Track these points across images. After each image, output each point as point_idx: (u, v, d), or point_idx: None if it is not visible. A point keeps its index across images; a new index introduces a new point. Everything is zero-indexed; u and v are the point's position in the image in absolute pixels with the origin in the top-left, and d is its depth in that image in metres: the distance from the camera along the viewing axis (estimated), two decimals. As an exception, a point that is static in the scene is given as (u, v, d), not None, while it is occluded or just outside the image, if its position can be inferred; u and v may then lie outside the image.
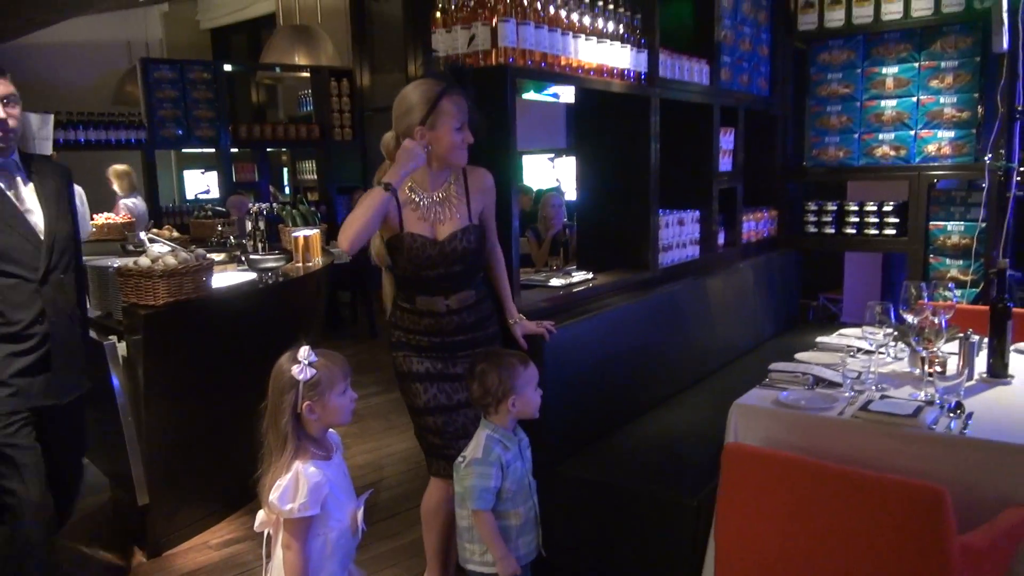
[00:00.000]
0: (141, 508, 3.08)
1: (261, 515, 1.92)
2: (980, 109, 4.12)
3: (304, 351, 1.87)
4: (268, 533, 1.93)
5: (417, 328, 2.43)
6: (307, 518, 1.83)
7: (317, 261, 4.24)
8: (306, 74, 8.17)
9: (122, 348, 3.02)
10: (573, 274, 3.20)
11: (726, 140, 4.06)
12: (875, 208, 4.49)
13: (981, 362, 2.47)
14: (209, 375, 3.24)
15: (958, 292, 4.15)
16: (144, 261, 3.04)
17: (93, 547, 3.25)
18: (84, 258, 5.12)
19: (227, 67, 8.05)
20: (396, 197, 2.38)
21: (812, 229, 4.73)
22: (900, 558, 1.66)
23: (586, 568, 2.65)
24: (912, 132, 4.31)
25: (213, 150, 7.91)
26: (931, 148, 4.27)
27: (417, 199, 2.42)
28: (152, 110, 7.24)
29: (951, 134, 4.19)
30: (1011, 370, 2.44)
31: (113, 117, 7.19)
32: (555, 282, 3.10)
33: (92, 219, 6.25)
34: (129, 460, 3.03)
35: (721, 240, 4.08)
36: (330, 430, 1.98)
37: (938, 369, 2.22)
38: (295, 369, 1.84)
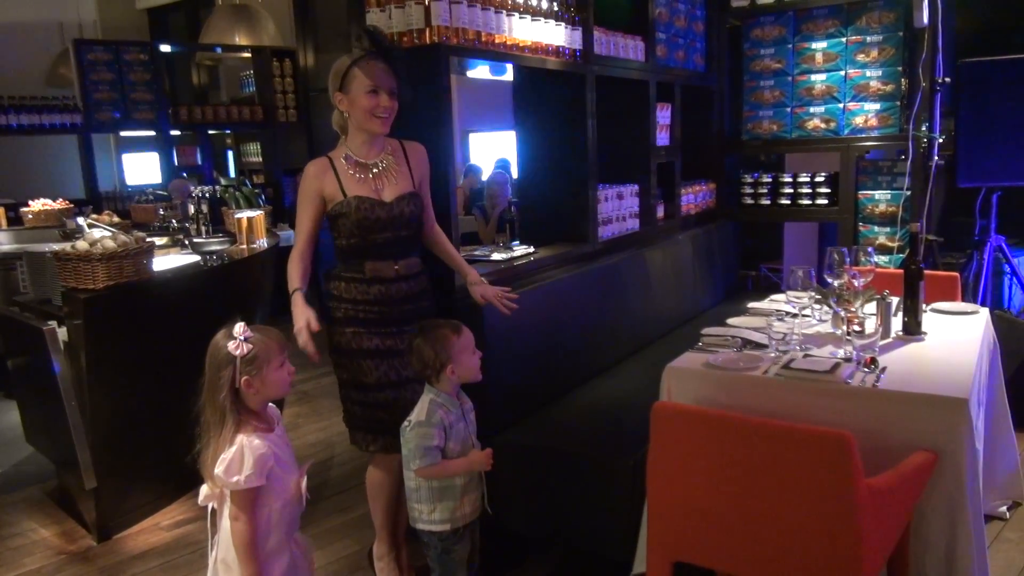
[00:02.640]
0: (89, 492, 3.08)
1: (205, 489, 1.95)
2: (904, 82, 4.29)
3: (239, 327, 1.90)
4: (212, 507, 1.97)
5: (366, 298, 2.45)
6: (253, 489, 1.87)
7: (262, 243, 4.24)
8: (248, 55, 8.03)
9: (63, 333, 3.00)
10: (515, 248, 3.27)
11: (663, 115, 4.16)
12: (808, 179, 4.66)
13: (898, 322, 2.61)
14: (154, 358, 3.23)
15: (885, 258, 4.35)
16: (82, 245, 3.02)
17: (41, 532, 3.24)
18: (22, 244, 5.02)
19: (165, 48, 7.87)
20: (333, 167, 2.42)
21: (749, 201, 4.88)
22: (814, 500, 1.78)
23: (531, 527, 2.75)
24: (841, 105, 4.46)
25: (153, 133, 7.75)
26: (859, 120, 4.43)
27: (354, 166, 2.46)
28: (87, 93, 7.05)
29: (877, 106, 4.36)
30: (925, 328, 2.58)
31: (47, 101, 6.99)
32: (497, 256, 3.17)
33: (28, 205, 6.10)
34: (75, 445, 3.02)
35: (660, 213, 4.19)
36: (270, 404, 2.01)
37: (857, 329, 2.35)
38: (231, 345, 1.87)
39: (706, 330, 2.66)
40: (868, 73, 4.36)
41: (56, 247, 3.23)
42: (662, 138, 4.16)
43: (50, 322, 3.03)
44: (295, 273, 2.47)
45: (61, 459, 3.36)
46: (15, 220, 6.08)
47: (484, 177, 7.03)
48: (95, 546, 3.11)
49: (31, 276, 3.44)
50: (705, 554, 2.02)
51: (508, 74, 6.47)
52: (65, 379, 3.00)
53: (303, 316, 2.34)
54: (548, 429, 2.80)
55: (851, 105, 4.43)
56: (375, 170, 2.47)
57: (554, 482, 2.63)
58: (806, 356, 2.36)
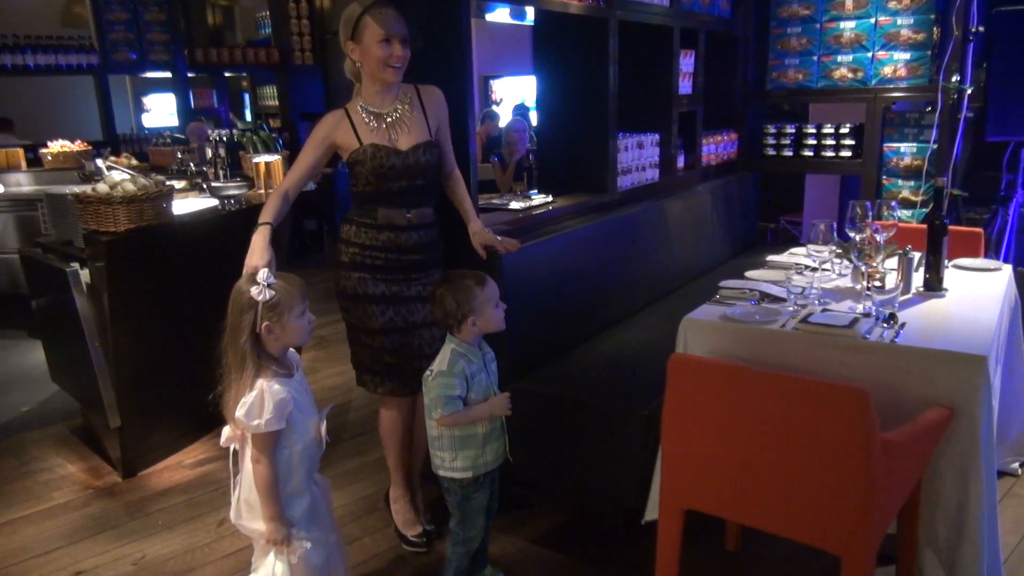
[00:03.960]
0: (114, 430, 3.15)
1: (227, 431, 2.00)
2: (936, 31, 4.16)
3: (263, 273, 1.92)
4: (234, 448, 2.01)
5: (375, 244, 2.46)
6: (273, 432, 1.91)
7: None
8: (264, -6, 7.91)
9: (85, 275, 3.04)
10: (533, 197, 3.25)
11: (686, 63, 4.07)
12: (832, 130, 4.56)
13: (920, 277, 2.59)
14: (174, 299, 3.27)
15: (908, 212, 4.30)
16: (103, 187, 3.03)
17: (68, 468, 3.33)
18: (42, 186, 5.04)
19: (180, -13, 7.76)
20: (348, 117, 2.41)
21: (771, 152, 4.80)
22: (829, 454, 1.79)
23: (546, 475, 2.80)
24: (869, 54, 4.35)
25: (170, 75, 7.69)
26: (887, 70, 4.32)
27: (370, 116, 2.44)
28: (103, 32, 6.99)
29: (907, 56, 4.24)
30: (947, 284, 2.56)
31: (62, 40, 6.94)
32: (515, 205, 3.15)
33: (47, 146, 6.11)
34: (99, 385, 3.08)
35: (680, 163, 4.14)
36: (290, 350, 2.04)
37: (877, 284, 2.33)
38: (254, 290, 1.89)
39: (724, 283, 2.64)
40: (899, 21, 4.23)
41: (77, 189, 3.24)
42: (684, 86, 4.08)
43: (73, 264, 3.07)
44: (270, 206, 2.35)
45: (86, 398, 3.44)
46: (34, 161, 6.10)
47: (503, 123, 6.95)
48: (120, 482, 3.20)
49: (52, 218, 3.47)
50: (716, 503, 2.05)
51: (528, 18, 6.33)
52: (88, 320, 3.05)
53: (261, 256, 2.16)
54: (563, 378, 2.82)
55: (880, 54, 4.32)
56: (389, 119, 2.45)
57: (569, 431, 2.66)
58: (824, 310, 2.35)
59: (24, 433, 3.70)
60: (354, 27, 2.35)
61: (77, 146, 6.20)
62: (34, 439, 3.64)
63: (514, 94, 8.95)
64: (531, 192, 3.35)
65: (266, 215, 2.33)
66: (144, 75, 8.06)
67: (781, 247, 4.29)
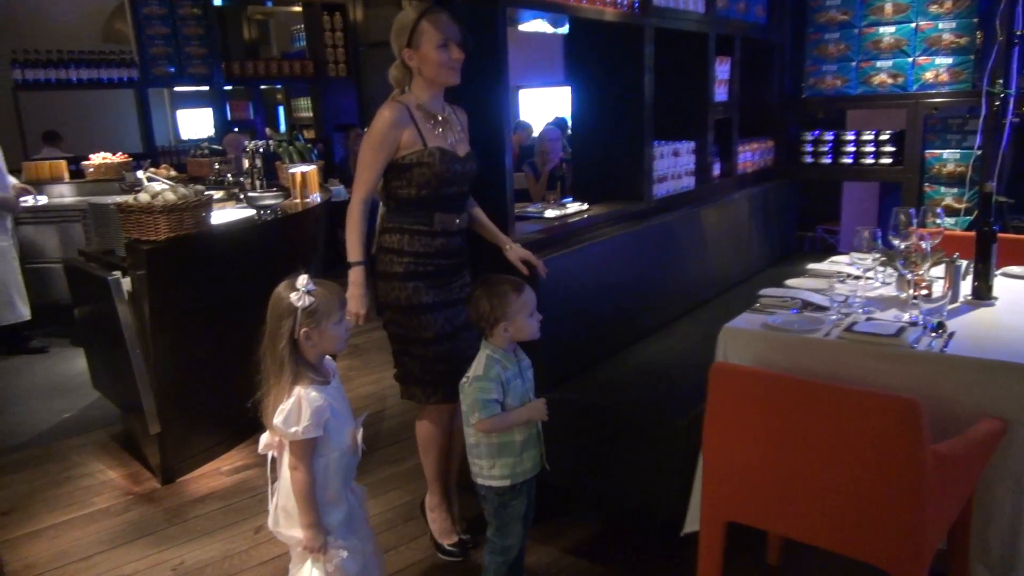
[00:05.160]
0: (153, 437, 3.19)
1: (265, 438, 2.00)
2: (979, 35, 4.08)
3: (303, 279, 1.92)
4: (272, 456, 2.02)
5: (429, 251, 2.45)
6: (311, 440, 1.91)
7: (315, 197, 4.27)
8: (298, 8, 8.03)
9: (126, 283, 3.08)
10: (567, 205, 3.24)
11: (722, 70, 4.04)
12: (872, 137, 4.49)
13: (967, 286, 2.52)
14: (213, 308, 3.31)
15: (951, 220, 4.20)
16: (144, 197, 3.08)
17: (109, 474, 3.38)
18: (84, 196, 5.14)
19: (217, 1, 7.91)
20: (411, 112, 2.40)
21: (808, 159, 4.74)
22: (877, 466, 1.74)
23: (582, 484, 2.77)
24: (910, 59, 4.27)
25: (207, 88, 7.83)
26: (929, 75, 4.24)
27: (429, 118, 2.44)
28: (143, 47, 7.15)
29: (949, 61, 4.16)
30: (996, 293, 2.49)
31: (104, 55, 7.11)
32: (549, 213, 3.14)
33: (88, 159, 6.24)
34: (139, 391, 3.12)
35: (716, 171, 4.10)
36: (327, 357, 2.04)
37: (924, 292, 2.27)
38: (294, 296, 1.89)
39: (764, 291, 2.60)
40: (941, 25, 4.15)
41: (119, 199, 3.30)
42: (720, 93, 4.05)
43: (114, 272, 3.12)
44: (356, 239, 2.36)
45: (126, 404, 3.49)
46: (76, 173, 6.24)
47: (534, 134, 6.96)
48: (159, 488, 3.23)
49: (95, 227, 3.53)
50: (760, 516, 2.01)
51: (560, 27, 6.33)
52: (129, 327, 3.10)
53: (360, 302, 2.33)
54: (601, 387, 2.79)
55: (921, 59, 4.24)
56: (445, 125, 2.46)
57: (606, 440, 2.64)
58: (869, 319, 2.30)
59: (66, 439, 3.76)
60: (410, 33, 2.35)
61: (118, 158, 6.33)
62: (76, 445, 3.70)
63: (541, 105, 8.95)
64: (566, 200, 3.34)
65: (354, 253, 2.36)
66: (182, 88, 8.22)
67: (819, 255, 4.22)
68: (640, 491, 2.61)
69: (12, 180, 4.83)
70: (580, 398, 2.71)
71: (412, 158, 2.38)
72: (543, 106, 8.97)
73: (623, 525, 2.83)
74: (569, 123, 6.49)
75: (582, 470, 2.72)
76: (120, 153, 6.48)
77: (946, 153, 4.25)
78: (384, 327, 2.55)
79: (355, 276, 2.35)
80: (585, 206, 3.28)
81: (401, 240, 2.45)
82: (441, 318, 2.48)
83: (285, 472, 1.97)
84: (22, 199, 4.95)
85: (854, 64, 4.47)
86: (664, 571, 2.55)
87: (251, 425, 2.07)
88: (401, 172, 2.41)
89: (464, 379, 2.19)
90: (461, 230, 2.53)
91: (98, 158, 6.26)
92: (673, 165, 3.70)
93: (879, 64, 4.38)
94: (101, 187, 5.80)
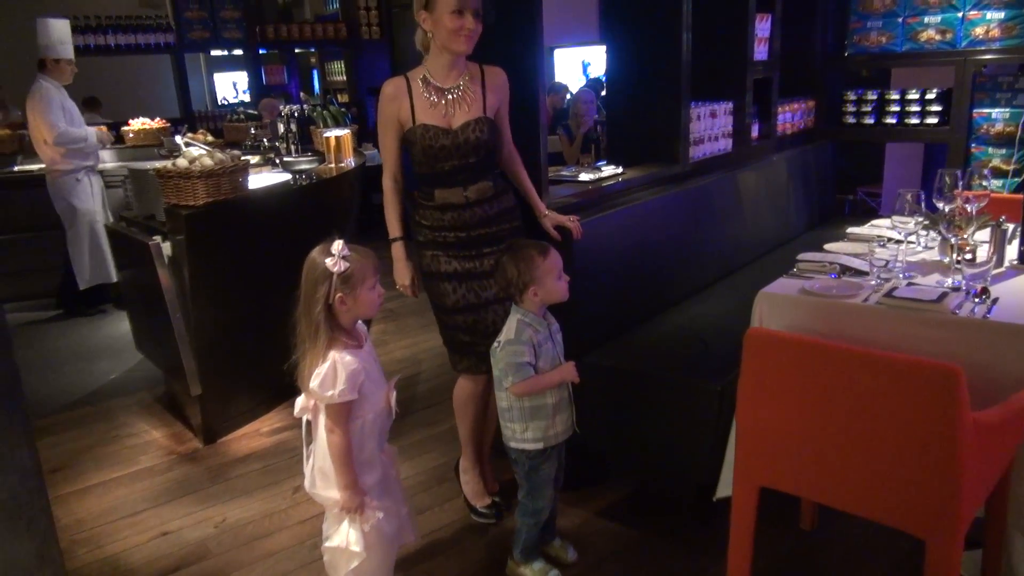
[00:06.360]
0: (195, 398, 3.27)
1: (300, 401, 2.04)
2: (1035, -13, 3.90)
3: (338, 245, 1.93)
4: (307, 419, 2.06)
5: (441, 224, 2.46)
6: (347, 403, 1.94)
7: (349, 162, 4.29)
8: (331, -30, 7.97)
9: (167, 248, 3.14)
10: (603, 168, 3.20)
11: (762, 27, 3.92)
12: (917, 96, 4.35)
13: (1013, 250, 2.45)
14: (251, 272, 3.36)
15: (998, 182, 4.07)
16: (182, 162, 3.12)
17: (153, 434, 3.48)
18: (124, 162, 5.23)
19: (251, -36, 7.88)
20: (409, 89, 2.40)
21: (851, 120, 4.61)
22: (916, 433, 1.72)
23: (614, 448, 2.78)
24: (960, 14, 4.11)
25: (241, 52, 7.85)
26: (979, 31, 4.08)
27: (431, 90, 2.42)
28: (179, 12, 7.18)
29: (1001, 15, 3.99)
30: (1043, 257, 2.42)
31: (141, 20, 7.15)
32: (584, 177, 3.11)
33: (128, 124, 6.33)
34: (180, 354, 3.20)
35: (755, 132, 4.01)
36: (359, 322, 2.06)
37: (968, 257, 2.22)
38: (329, 262, 1.91)
39: (802, 255, 2.55)
40: (993, -23, 3.98)
41: (158, 165, 3.34)
42: (760, 52, 3.94)
43: (155, 237, 3.18)
44: (392, 216, 2.49)
45: (168, 367, 3.57)
46: (116, 139, 6.32)
47: (570, 95, 6.86)
48: (201, 448, 3.33)
49: (136, 193, 3.59)
50: (794, 482, 2.00)
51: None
52: (170, 291, 3.16)
53: (405, 274, 2.47)
54: (635, 352, 2.79)
55: (972, 14, 4.07)
56: (449, 96, 2.42)
57: (640, 405, 2.64)
58: (910, 284, 2.25)
59: (112, 400, 3.88)
60: None
61: (156, 123, 6.40)
62: (122, 405, 3.81)
63: (576, 64, 8.80)
64: (600, 163, 3.30)
65: (394, 229, 2.48)
66: (218, 53, 8.25)
67: (860, 219, 4.13)
68: (673, 456, 2.62)
69: (91, 129, 5.01)
70: (614, 363, 2.71)
71: (407, 135, 2.43)
72: (577, 66, 8.83)
73: (655, 490, 2.84)
74: (603, 84, 6.38)
75: (616, 435, 2.73)
76: (158, 119, 6.55)
77: (995, 112, 4.11)
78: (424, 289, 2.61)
79: (396, 251, 2.50)
80: (620, 169, 3.23)
81: (418, 213, 2.52)
82: (463, 287, 2.48)
83: (321, 435, 2.01)
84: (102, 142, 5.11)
85: (900, 20, 4.31)
86: (697, 535, 2.56)
87: (289, 387, 2.11)
88: (407, 149, 2.48)
89: (495, 344, 2.20)
90: (483, 199, 2.47)
91: (137, 123, 6.34)
92: (710, 127, 3.63)
93: (927, 19, 4.22)
94: (141, 152, 5.88)
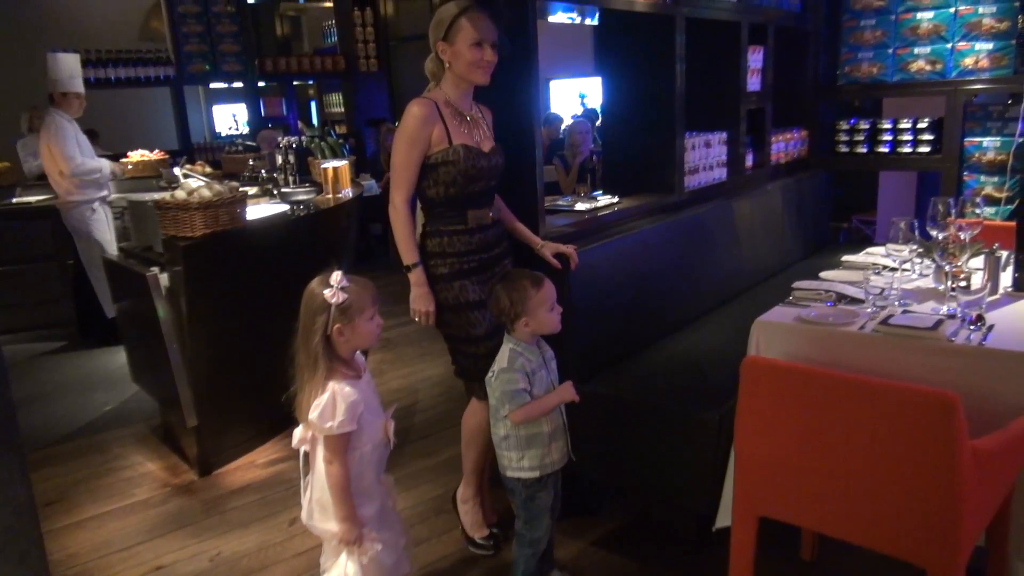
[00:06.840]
0: (190, 430, 3.25)
1: (298, 432, 2.03)
2: (1021, 18, 3.96)
3: (336, 276, 1.94)
4: (304, 450, 2.04)
5: (469, 248, 2.46)
6: (346, 434, 1.94)
7: (347, 192, 4.31)
8: (329, 4, 8.08)
9: (164, 279, 3.14)
10: (598, 198, 3.23)
11: (755, 59, 3.98)
12: (909, 125, 4.40)
13: (1007, 277, 2.47)
14: (248, 303, 3.36)
15: (991, 210, 4.10)
16: (180, 194, 3.13)
17: (148, 466, 3.46)
18: (123, 194, 5.27)
19: (250, -1, 8.01)
20: (439, 109, 2.40)
21: (844, 149, 4.66)
22: (914, 462, 1.71)
23: (611, 477, 2.77)
24: (949, 45, 4.17)
25: (241, 84, 7.93)
26: (968, 61, 4.14)
27: (456, 115, 2.45)
28: (179, 45, 7.27)
29: (989, 46, 4.06)
30: (1038, 284, 2.43)
31: (141, 54, 7.24)
32: (580, 206, 3.13)
33: (127, 156, 6.37)
34: (177, 385, 3.19)
35: (749, 162, 4.04)
36: (357, 352, 2.06)
37: (962, 284, 2.23)
38: (327, 293, 1.91)
39: (797, 283, 2.57)
40: (981, 9, 4.05)
41: (156, 196, 3.36)
42: (753, 83, 3.99)
43: (152, 268, 3.18)
44: (407, 242, 2.39)
45: (164, 398, 3.56)
46: (115, 171, 6.35)
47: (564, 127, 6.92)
48: (196, 480, 3.30)
49: (134, 224, 3.61)
50: (793, 511, 1.99)
51: (590, 17, 6.29)
52: (167, 323, 3.16)
53: (429, 300, 2.42)
54: (631, 381, 2.78)
55: (961, 45, 4.14)
56: (469, 121, 2.47)
57: (637, 434, 2.63)
58: (906, 312, 2.26)
59: (107, 432, 3.85)
60: (448, 28, 2.35)
61: (155, 155, 6.44)
62: (116, 437, 3.78)
63: (572, 96, 8.90)
64: (596, 193, 3.32)
65: (408, 256, 2.41)
66: (217, 85, 8.34)
67: (855, 247, 4.16)
68: (672, 485, 2.60)
69: (104, 161, 5.11)
70: (611, 392, 2.71)
71: (438, 157, 2.39)
72: (574, 97, 8.93)
73: (654, 520, 2.82)
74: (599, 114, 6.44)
75: (613, 464, 2.72)
76: (157, 150, 6.59)
77: (986, 141, 4.15)
78: (437, 327, 2.53)
79: (415, 278, 2.43)
80: (616, 199, 3.26)
81: (441, 243, 2.45)
82: (488, 313, 2.44)
83: (319, 466, 2.00)
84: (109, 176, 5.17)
85: (891, 51, 4.37)
86: (696, 566, 2.53)
87: (286, 419, 2.10)
88: (428, 172, 2.42)
89: (489, 374, 2.20)
90: (496, 220, 2.55)
91: (136, 155, 6.37)
92: (705, 156, 3.66)
93: (916, 50, 4.28)
94: (140, 184, 5.90)
